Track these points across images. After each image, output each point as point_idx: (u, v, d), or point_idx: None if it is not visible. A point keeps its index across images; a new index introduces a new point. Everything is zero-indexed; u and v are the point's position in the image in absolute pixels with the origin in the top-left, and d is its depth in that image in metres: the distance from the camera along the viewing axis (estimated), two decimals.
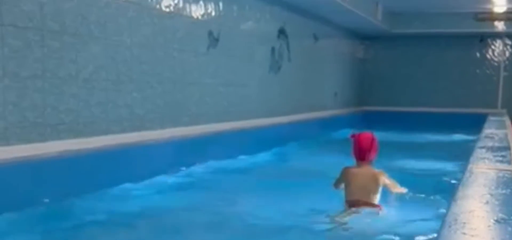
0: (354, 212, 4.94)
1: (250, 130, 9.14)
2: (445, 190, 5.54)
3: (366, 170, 5.13)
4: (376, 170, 5.14)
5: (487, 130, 8.27)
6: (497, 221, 2.54)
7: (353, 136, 5.32)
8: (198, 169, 7.30)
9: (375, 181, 5.05)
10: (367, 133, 5.30)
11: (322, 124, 12.86)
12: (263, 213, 5.21)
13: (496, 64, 16.43)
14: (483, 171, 4.04)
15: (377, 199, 5.08)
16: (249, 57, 9.44)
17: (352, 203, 5.04)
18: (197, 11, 7.67)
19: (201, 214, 5.27)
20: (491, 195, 3.10)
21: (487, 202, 2.92)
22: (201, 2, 7.75)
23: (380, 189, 5.08)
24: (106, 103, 6.04)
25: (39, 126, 5.16)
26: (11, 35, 4.86)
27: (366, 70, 17.41)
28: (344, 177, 5.21)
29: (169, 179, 6.64)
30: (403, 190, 5.29)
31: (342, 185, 5.23)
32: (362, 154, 5.16)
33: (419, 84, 16.76)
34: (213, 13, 8.08)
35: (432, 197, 5.65)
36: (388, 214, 5.05)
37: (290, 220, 4.97)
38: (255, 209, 5.38)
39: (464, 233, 2.30)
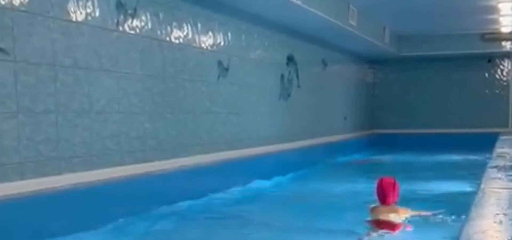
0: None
1: (261, 156, 9.16)
2: (458, 211, 5.54)
3: (389, 207, 5.62)
4: (399, 207, 5.66)
5: (499, 150, 8.25)
6: None
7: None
8: (209, 197, 7.31)
9: (398, 214, 5.50)
10: (389, 179, 5.79)
11: (332, 149, 12.85)
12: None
13: (505, 83, 16.40)
14: (495, 191, 4.04)
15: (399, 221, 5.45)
16: (259, 85, 9.49)
17: (375, 224, 5.40)
18: (206, 42, 7.75)
19: None
20: (505, 214, 3.10)
21: (500, 222, 2.93)
22: (210, 33, 7.84)
23: (402, 218, 5.51)
24: (119, 135, 6.10)
25: (53, 159, 5.22)
26: (24, 71, 4.92)
27: (375, 93, 17.42)
28: (370, 214, 5.65)
29: (183, 207, 6.66)
30: (426, 213, 5.83)
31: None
32: (385, 198, 5.68)
33: (429, 106, 16.72)
34: (222, 43, 8.16)
35: (445, 218, 5.66)
36: (402, 235, 5.14)
37: None
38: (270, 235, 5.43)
39: None
